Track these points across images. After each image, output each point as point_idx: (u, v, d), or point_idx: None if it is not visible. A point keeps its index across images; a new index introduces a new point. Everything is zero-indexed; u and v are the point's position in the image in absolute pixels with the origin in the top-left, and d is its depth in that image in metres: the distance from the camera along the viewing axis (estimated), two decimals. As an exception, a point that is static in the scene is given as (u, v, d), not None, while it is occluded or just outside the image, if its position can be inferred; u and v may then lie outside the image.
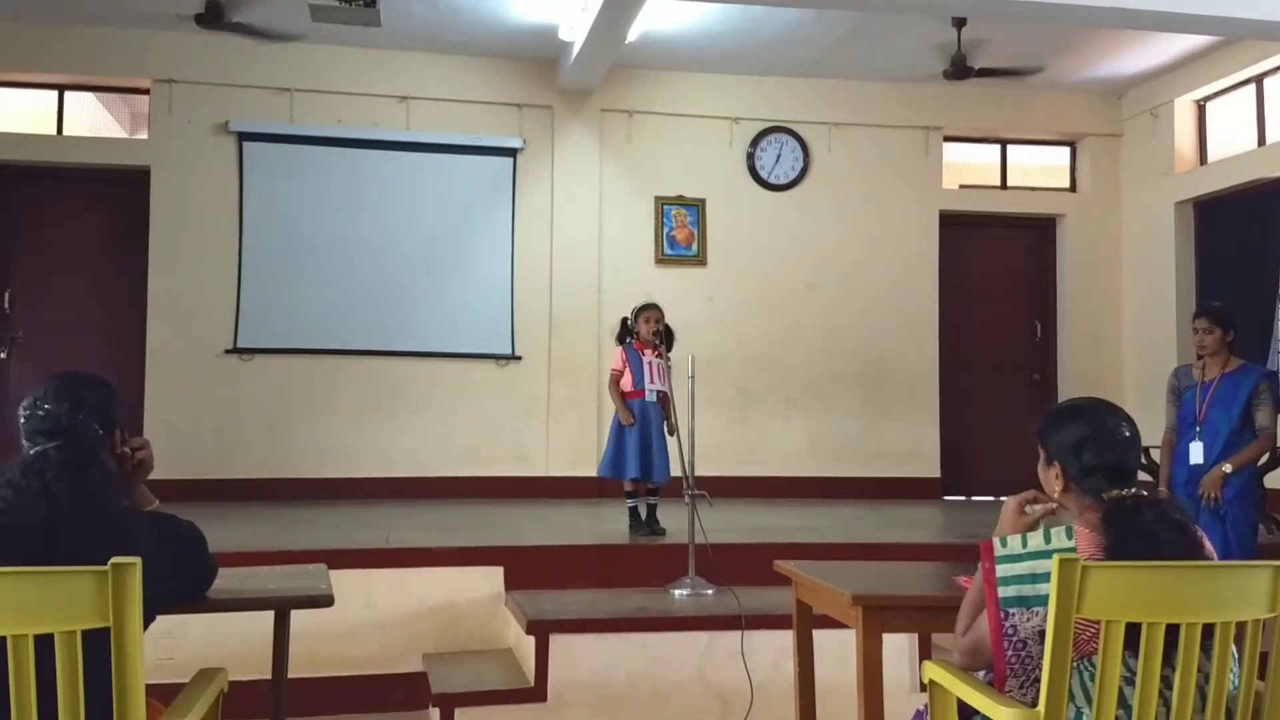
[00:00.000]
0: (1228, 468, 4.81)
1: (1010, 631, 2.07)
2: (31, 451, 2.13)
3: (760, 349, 8.45)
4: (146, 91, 7.88)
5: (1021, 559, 2.09)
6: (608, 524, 6.20)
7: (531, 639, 4.27)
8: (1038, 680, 2.00)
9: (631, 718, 4.27)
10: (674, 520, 5.48)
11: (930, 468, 8.61)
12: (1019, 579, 2.08)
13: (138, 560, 1.82)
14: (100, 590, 1.81)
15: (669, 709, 4.32)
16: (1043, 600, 2.02)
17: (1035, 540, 2.09)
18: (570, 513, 7.02)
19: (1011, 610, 2.07)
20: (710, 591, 4.77)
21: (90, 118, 8.43)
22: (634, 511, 5.77)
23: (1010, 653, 2.07)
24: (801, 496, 8.12)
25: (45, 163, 7.69)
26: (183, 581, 2.27)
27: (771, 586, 4.01)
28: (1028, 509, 2.24)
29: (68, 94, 7.95)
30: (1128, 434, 2.15)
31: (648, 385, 5.68)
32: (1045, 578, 2.01)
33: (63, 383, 2.21)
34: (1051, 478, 2.19)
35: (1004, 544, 2.12)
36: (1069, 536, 2.07)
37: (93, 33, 7.59)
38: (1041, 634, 2.01)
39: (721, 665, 4.34)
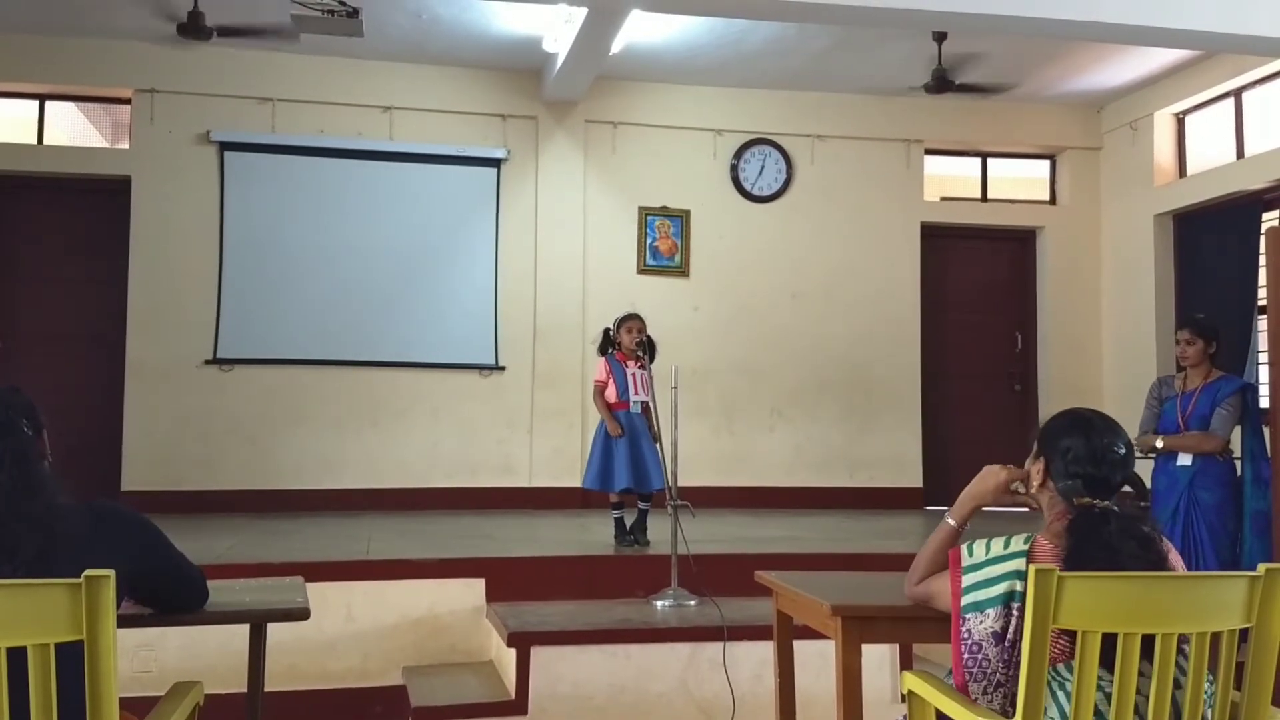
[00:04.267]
0: (1159, 443, 4.89)
1: (965, 636, 2.10)
2: None
3: (744, 359, 8.46)
4: (128, 101, 7.86)
5: (981, 566, 2.14)
6: (591, 535, 6.19)
7: (513, 651, 4.24)
8: (999, 685, 2.04)
9: (613, 730, 4.26)
10: (657, 531, 5.47)
11: (913, 477, 8.63)
12: (975, 586, 2.13)
13: (110, 573, 1.81)
14: (74, 603, 1.80)
15: (651, 721, 4.31)
16: (993, 602, 2.07)
17: (996, 547, 2.14)
18: (554, 523, 6.99)
19: (967, 616, 2.11)
20: (693, 602, 4.76)
21: (71, 127, 8.39)
22: (619, 522, 5.75)
23: (966, 656, 2.10)
24: (785, 506, 8.11)
25: (26, 172, 7.64)
26: (142, 564, 2.20)
27: (754, 597, 4.00)
28: (1014, 486, 2.30)
29: (49, 103, 7.91)
30: (1122, 452, 2.18)
31: (632, 396, 5.65)
32: (998, 580, 2.07)
33: None
34: (1035, 471, 2.24)
35: (970, 553, 2.17)
36: (1025, 544, 2.12)
37: (74, 43, 7.55)
38: (994, 635, 2.06)
39: (704, 676, 4.33)
